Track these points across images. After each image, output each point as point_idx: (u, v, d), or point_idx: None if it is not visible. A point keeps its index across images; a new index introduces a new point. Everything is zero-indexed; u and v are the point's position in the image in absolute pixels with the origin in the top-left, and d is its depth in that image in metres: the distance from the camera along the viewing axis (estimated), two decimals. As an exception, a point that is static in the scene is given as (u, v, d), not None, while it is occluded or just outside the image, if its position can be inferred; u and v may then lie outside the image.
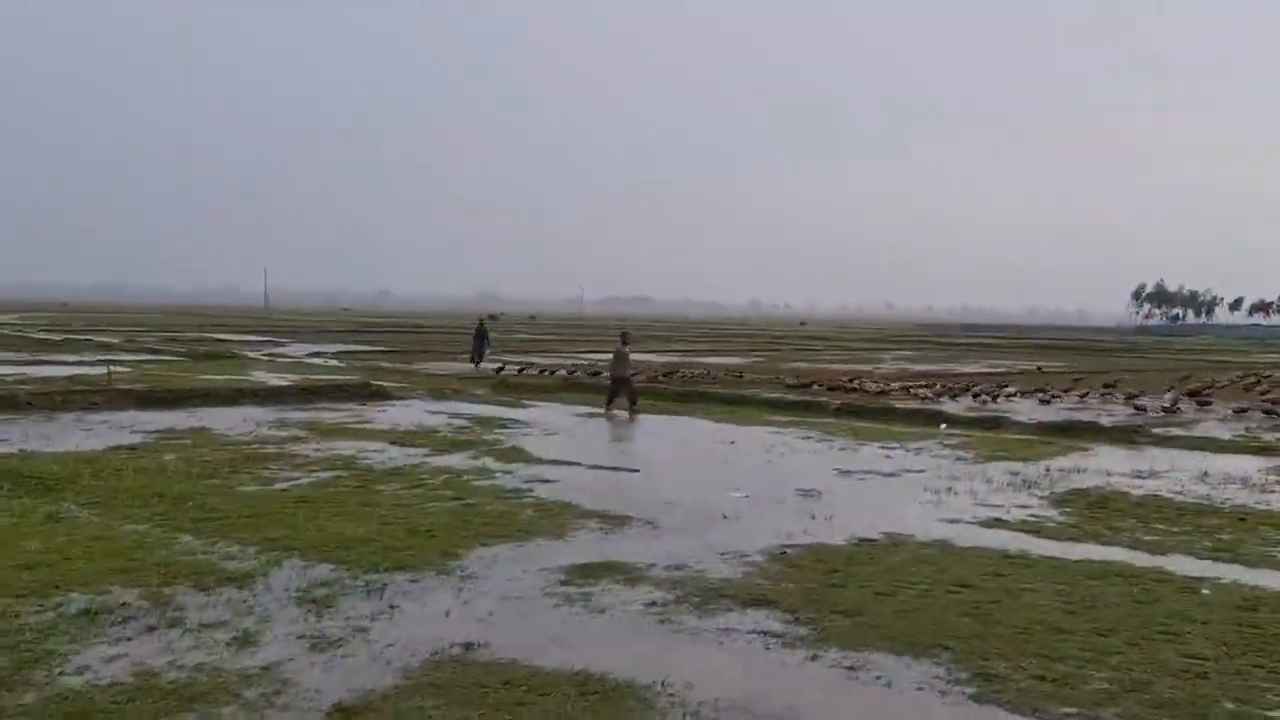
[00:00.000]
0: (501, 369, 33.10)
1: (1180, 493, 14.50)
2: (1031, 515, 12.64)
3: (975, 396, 26.65)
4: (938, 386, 29.09)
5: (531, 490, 13.53)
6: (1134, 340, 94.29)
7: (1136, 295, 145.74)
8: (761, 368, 39.62)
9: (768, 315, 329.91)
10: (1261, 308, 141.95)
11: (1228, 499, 14.06)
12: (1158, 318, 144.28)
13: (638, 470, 15.55)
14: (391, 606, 8.26)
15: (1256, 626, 8.16)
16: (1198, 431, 21.43)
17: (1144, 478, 15.80)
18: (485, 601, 8.52)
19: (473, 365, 35.89)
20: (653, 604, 8.53)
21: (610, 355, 26.76)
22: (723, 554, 10.29)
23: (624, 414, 23.14)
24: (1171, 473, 16.29)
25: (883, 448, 18.66)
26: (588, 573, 9.45)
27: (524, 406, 24.60)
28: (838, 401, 25.39)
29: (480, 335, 37.41)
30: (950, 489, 14.37)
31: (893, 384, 29.98)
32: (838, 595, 8.84)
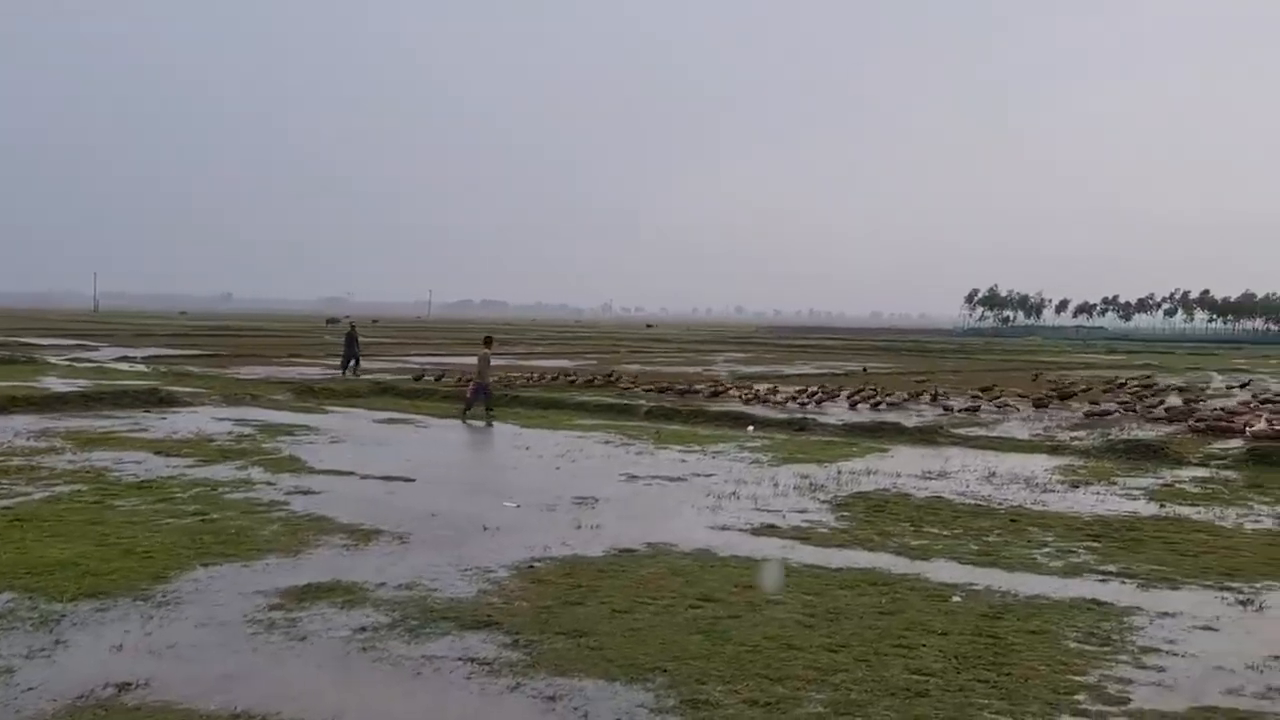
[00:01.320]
0: (421, 377, 31.56)
1: (963, 494, 14.41)
2: (807, 520, 12.30)
3: (853, 405, 26.01)
4: (812, 389, 28.74)
5: (288, 503, 12.62)
6: (962, 342, 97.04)
7: (970, 299, 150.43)
8: (590, 370, 39.05)
9: (619, 318, 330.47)
10: (1085, 310, 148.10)
11: (1007, 499, 14.01)
12: (990, 320, 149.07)
13: (414, 480, 14.74)
14: (58, 641, 7.34)
15: (995, 637, 7.86)
16: (997, 431, 21.64)
17: (932, 479, 15.71)
18: (174, 631, 7.66)
19: (344, 374, 33.54)
20: (363, 630, 7.79)
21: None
22: (466, 570, 9.61)
23: (481, 422, 22.27)
24: (961, 473, 16.26)
25: (682, 451, 18.26)
26: (306, 595, 8.65)
27: (324, 412, 23.51)
28: (648, 404, 24.97)
29: (350, 340, 35.26)
30: (734, 494, 13.97)
31: (759, 386, 29.67)
32: (571, 614, 8.25)
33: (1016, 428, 22.47)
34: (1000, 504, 13.65)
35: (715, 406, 25.00)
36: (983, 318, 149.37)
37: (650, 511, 12.75)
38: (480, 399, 23.42)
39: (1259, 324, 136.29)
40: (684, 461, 17.03)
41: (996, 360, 57.44)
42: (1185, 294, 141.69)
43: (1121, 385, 33.90)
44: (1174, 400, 28.25)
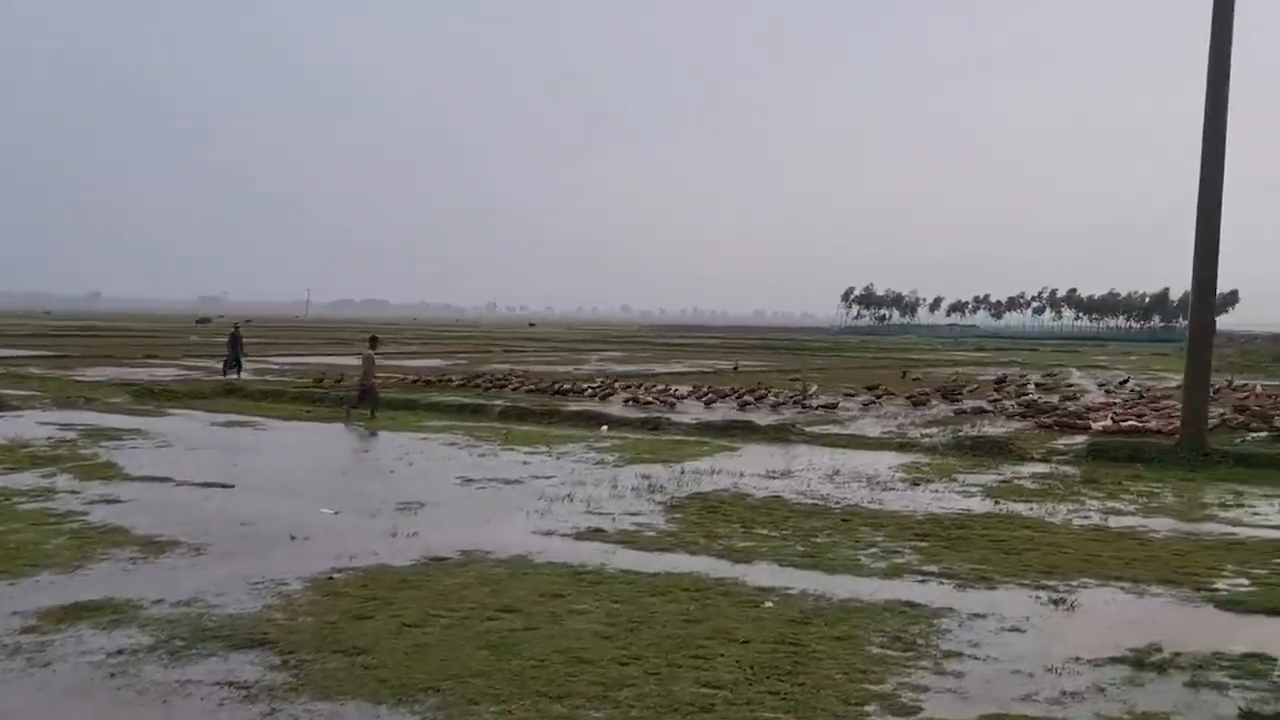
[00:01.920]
0: (321, 380, 30.25)
1: (803, 493, 14.22)
2: (636, 523, 11.95)
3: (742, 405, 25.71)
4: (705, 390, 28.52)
5: (87, 513, 11.83)
6: (836, 340, 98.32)
7: (846, 297, 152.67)
8: (460, 370, 38.27)
9: (503, 318, 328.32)
10: (957, 308, 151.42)
11: (845, 499, 13.86)
12: (867, 318, 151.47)
13: (233, 486, 14.01)
14: None
15: (798, 644, 7.56)
16: (852, 429, 21.62)
17: (776, 478, 15.52)
18: (-98, 661, 6.94)
19: (226, 375, 31.91)
20: (120, 653, 7.16)
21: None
22: (257, 584, 9.01)
23: (362, 426, 21.47)
24: (805, 472, 16.11)
25: (528, 452, 17.80)
26: (70, 615, 7.97)
27: (161, 415, 22.49)
28: (502, 405, 24.44)
29: (234, 342, 33.62)
30: (569, 496, 13.56)
31: (655, 387, 29.27)
32: (356, 629, 7.73)
33: (871, 425, 22.50)
34: (837, 503, 13.49)
35: (572, 406, 24.59)
36: (859, 316, 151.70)
37: (476, 516, 12.27)
38: (366, 401, 22.79)
39: (1121, 322, 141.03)
40: (526, 463, 16.57)
41: (868, 358, 58.10)
42: (1053, 292, 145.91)
43: (1002, 382, 34.38)
44: (1050, 397, 28.65)
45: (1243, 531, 12.20)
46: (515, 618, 8.11)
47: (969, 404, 26.21)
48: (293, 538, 10.86)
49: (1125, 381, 37.42)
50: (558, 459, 17.10)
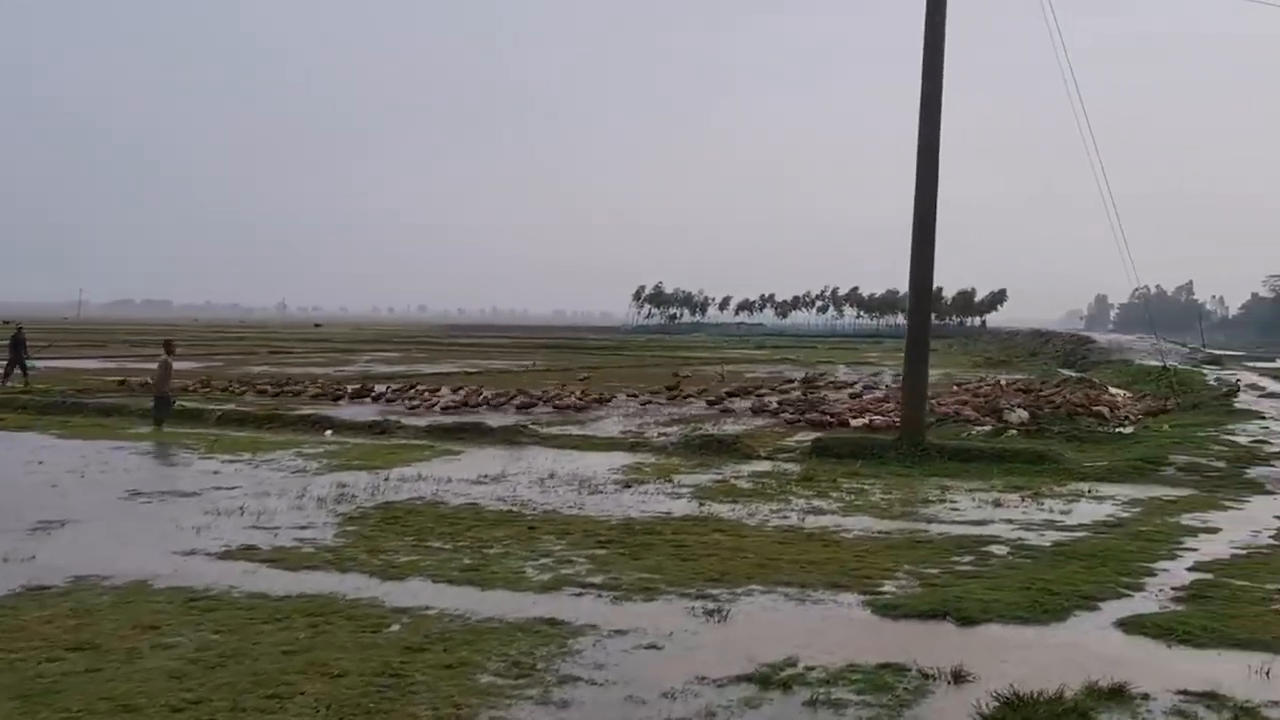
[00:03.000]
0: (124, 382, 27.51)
1: (504, 499, 13.49)
2: (300, 538, 10.95)
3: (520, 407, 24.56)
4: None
5: None
6: (623, 339, 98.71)
7: (637, 296, 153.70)
8: (217, 373, 36.10)
9: (292, 318, 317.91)
10: (746, 306, 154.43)
11: (546, 504, 13.19)
12: (658, 317, 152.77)
13: None
14: None
15: (399, 676, 6.75)
16: (590, 429, 21.06)
17: (484, 483, 14.76)
18: None
19: (5, 384, 28.77)
20: None
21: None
22: None
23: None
24: (520, 476, 15.41)
25: (228, 460, 16.53)
26: None
27: None
28: (220, 410, 22.90)
29: (16, 345, 30.28)
30: (242, 509, 12.43)
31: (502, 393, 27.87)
32: (-128, 681, 6.51)
33: (612, 425, 22.01)
34: (534, 510, 12.79)
35: (305, 410, 23.27)
36: (650, 315, 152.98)
37: (120, 535, 11.03)
38: (162, 410, 21.23)
39: (900, 319, 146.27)
40: (217, 473, 15.30)
41: (648, 356, 58.16)
42: (835, 291, 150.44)
43: (791, 381, 34.55)
44: (814, 393, 28.78)
45: (934, 529, 12.06)
46: (83, 657, 7.03)
47: (731, 403, 26.06)
48: (-128, 568, 9.43)
49: (878, 374, 38.41)
50: (256, 468, 15.89)
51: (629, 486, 14.68)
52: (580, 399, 25.90)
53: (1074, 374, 42.69)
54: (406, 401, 25.17)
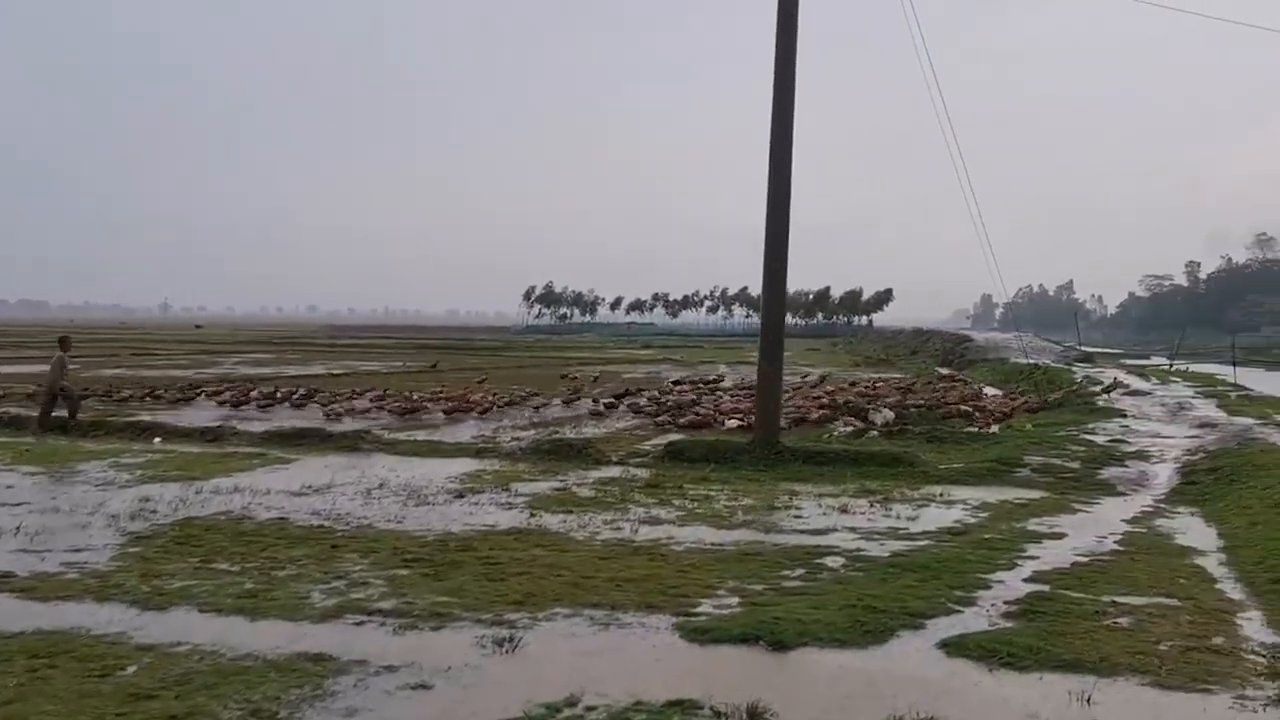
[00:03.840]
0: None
1: (319, 512, 12.51)
2: (69, 562, 9.86)
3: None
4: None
5: None
6: (509, 340, 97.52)
7: (527, 296, 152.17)
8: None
9: (176, 319, 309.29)
10: (637, 306, 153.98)
11: (364, 518, 12.26)
12: (548, 317, 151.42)
13: None
14: None
15: (106, 732, 5.82)
16: (441, 435, 20.11)
17: (306, 494, 13.77)
18: None
19: None
20: None
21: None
22: None
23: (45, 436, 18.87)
24: (348, 486, 14.45)
25: (28, 473, 15.29)
26: None
27: None
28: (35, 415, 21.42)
29: None
30: (18, 528, 11.25)
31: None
32: None
33: (468, 429, 21.09)
34: (348, 524, 11.83)
35: (135, 415, 21.89)
36: (540, 315, 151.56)
37: None
38: (55, 406, 20.61)
39: (790, 319, 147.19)
40: (11, 487, 14.04)
41: (527, 357, 57.18)
42: (725, 291, 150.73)
43: (694, 383, 33.87)
44: (690, 394, 28.13)
45: (772, 539, 11.41)
46: None
47: (603, 404, 25.28)
48: None
49: (822, 379, 37.96)
50: (58, 480, 14.66)
51: (461, 496, 13.80)
52: (487, 402, 24.85)
53: (950, 372, 42.97)
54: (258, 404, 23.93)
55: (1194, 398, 26.48)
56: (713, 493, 14.33)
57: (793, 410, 22.70)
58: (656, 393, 28.19)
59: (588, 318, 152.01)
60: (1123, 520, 12.75)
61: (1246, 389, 29.54)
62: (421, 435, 19.94)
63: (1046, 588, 9.33)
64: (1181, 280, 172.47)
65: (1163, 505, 13.98)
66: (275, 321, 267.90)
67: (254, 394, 25.37)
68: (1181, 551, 11.08)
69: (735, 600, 8.85)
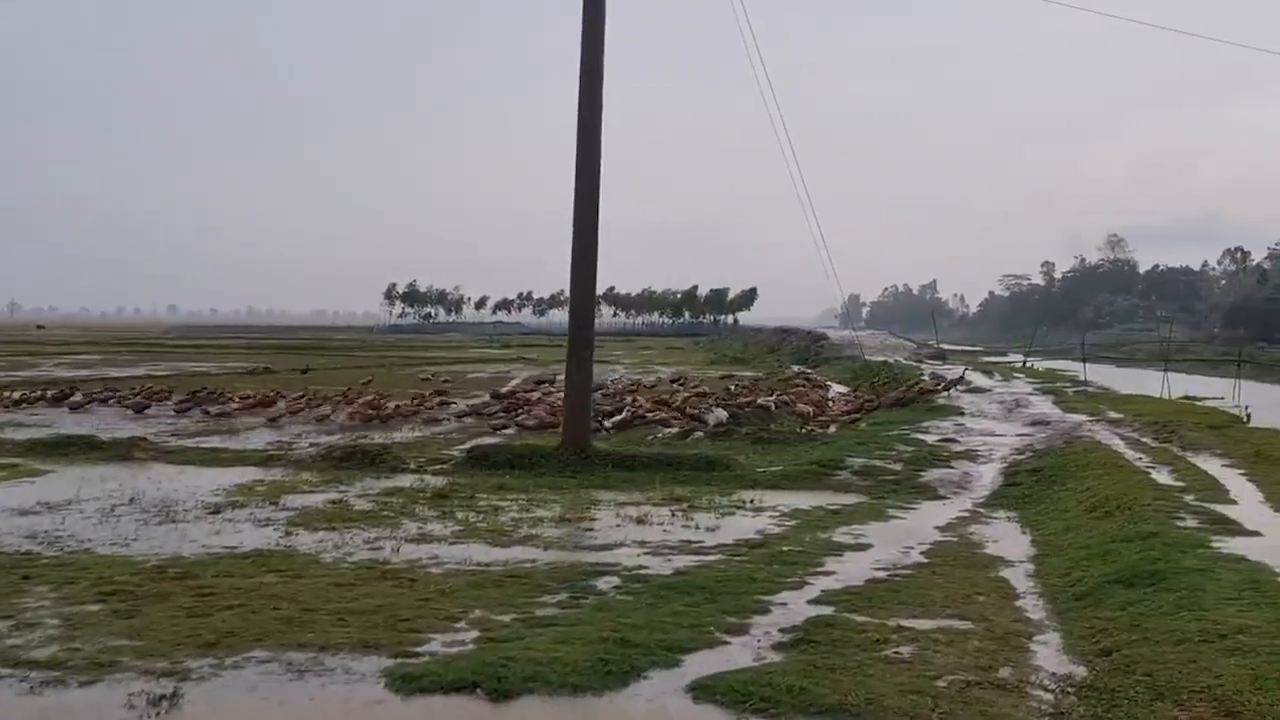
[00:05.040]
0: None
1: (37, 535, 10.97)
2: None
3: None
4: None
5: None
6: (363, 339, 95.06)
7: (389, 294, 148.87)
8: None
9: (25, 318, 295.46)
10: (504, 305, 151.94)
11: (85, 540, 10.75)
12: (412, 316, 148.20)
13: None
14: None
15: None
16: (235, 442, 18.54)
17: (35, 513, 12.20)
18: None
19: None
20: None
21: None
22: None
23: None
24: (94, 500, 12.96)
25: None
26: None
27: None
28: None
29: None
30: None
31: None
32: None
33: (264, 435, 19.50)
34: (63, 549, 10.30)
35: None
36: (404, 314, 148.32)
37: None
38: None
39: (654, 317, 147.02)
40: None
41: (371, 357, 55.19)
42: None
43: (544, 383, 32.42)
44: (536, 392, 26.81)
45: (547, 557, 10.23)
46: None
47: (434, 407, 23.87)
48: None
49: (615, 373, 37.00)
50: None
51: (217, 513, 12.29)
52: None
53: (800, 369, 42.64)
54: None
55: (1032, 394, 26.24)
56: (505, 503, 13.09)
57: (618, 410, 21.68)
58: (489, 395, 26.86)
59: (453, 317, 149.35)
60: (935, 528, 11.90)
61: (1086, 385, 29.50)
62: (214, 441, 18.30)
63: (831, 610, 8.33)
64: (1039, 280, 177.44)
65: (981, 509, 13.21)
66: (131, 323, 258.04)
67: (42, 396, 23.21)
68: (989, 562, 10.23)
69: (473, 635, 7.63)
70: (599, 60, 16.06)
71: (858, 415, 24.06)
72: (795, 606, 8.46)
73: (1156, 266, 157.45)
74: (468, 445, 17.36)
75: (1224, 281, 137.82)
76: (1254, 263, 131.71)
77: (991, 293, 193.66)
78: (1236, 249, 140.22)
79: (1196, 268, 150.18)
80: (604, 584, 9.15)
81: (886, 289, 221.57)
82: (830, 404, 26.96)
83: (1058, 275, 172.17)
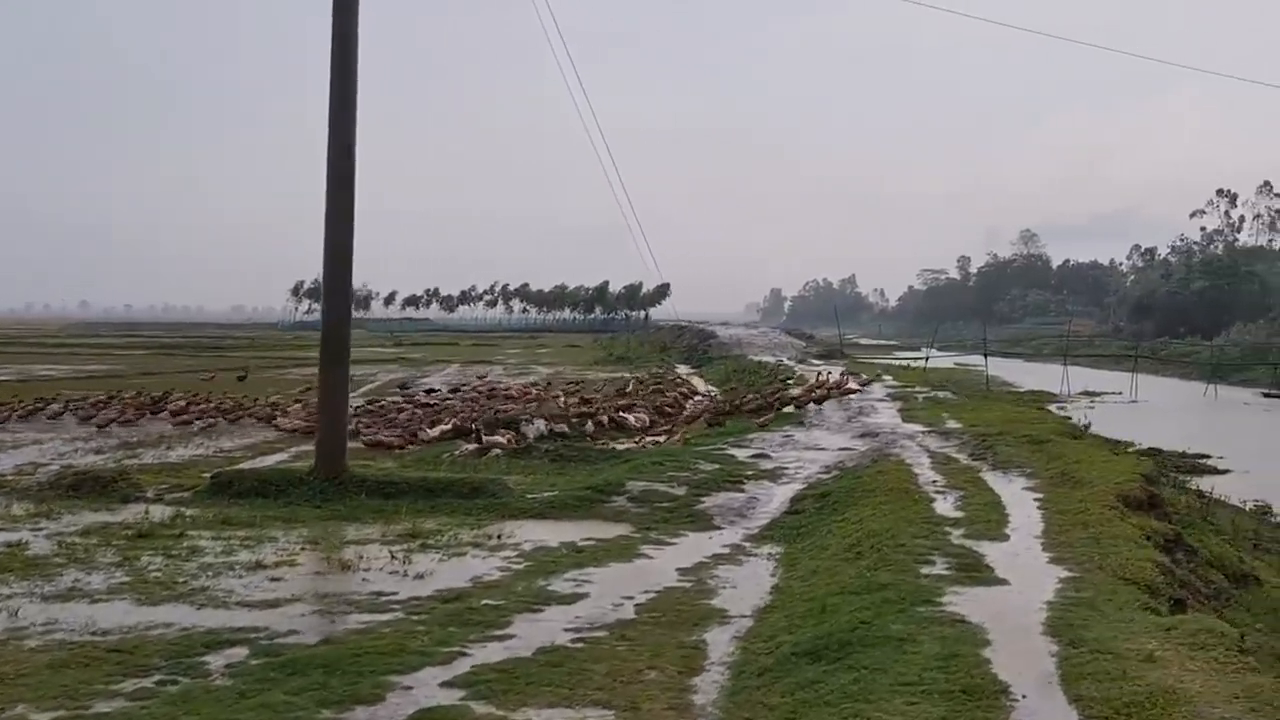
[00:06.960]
0: None
1: None
2: None
3: None
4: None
5: None
6: (255, 335, 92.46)
7: (296, 291, 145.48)
8: None
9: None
10: (412, 302, 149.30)
11: None
12: (317, 313, 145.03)
13: None
14: None
15: None
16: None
17: None
18: None
19: None
20: None
21: None
22: None
23: None
24: None
25: None
26: None
27: None
28: None
29: None
30: None
31: None
32: None
33: (27, 452, 17.73)
34: None
35: None
36: (309, 310, 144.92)
37: None
38: None
39: (568, 314, 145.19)
40: None
41: (231, 356, 53.13)
42: (505, 286, 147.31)
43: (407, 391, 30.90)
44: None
45: (192, 617, 8.74)
46: None
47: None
48: None
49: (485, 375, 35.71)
50: None
51: None
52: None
53: (663, 368, 41.59)
54: None
55: (881, 400, 25.13)
56: (214, 543, 11.54)
57: (438, 421, 20.27)
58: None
59: (361, 313, 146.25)
60: (677, 570, 10.57)
61: (943, 392, 28.47)
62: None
63: (459, 697, 6.96)
64: (955, 274, 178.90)
65: (748, 543, 11.94)
66: (38, 319, 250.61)
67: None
68: (702, 618, 8.91)
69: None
70: (352, 27, 14.41)
71: (716, 421, 23.00)
72: (420, 692, 7.06)
73: (1068, 261, 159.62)
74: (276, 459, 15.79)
75: (1132, 277, 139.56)
76: (1160, 257, 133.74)
77: (910, 287, 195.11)
78: (1145, 246, 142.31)
79: (1108, 264, 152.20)
80: (220, 660, 7.69)
81: (808, 283, 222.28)
82: (684, 410, 25.79)
83: (973, 270, 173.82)
